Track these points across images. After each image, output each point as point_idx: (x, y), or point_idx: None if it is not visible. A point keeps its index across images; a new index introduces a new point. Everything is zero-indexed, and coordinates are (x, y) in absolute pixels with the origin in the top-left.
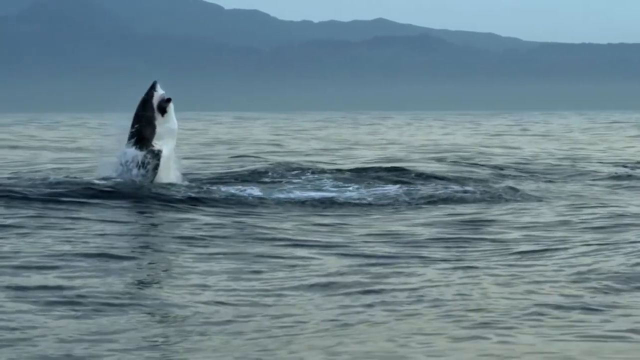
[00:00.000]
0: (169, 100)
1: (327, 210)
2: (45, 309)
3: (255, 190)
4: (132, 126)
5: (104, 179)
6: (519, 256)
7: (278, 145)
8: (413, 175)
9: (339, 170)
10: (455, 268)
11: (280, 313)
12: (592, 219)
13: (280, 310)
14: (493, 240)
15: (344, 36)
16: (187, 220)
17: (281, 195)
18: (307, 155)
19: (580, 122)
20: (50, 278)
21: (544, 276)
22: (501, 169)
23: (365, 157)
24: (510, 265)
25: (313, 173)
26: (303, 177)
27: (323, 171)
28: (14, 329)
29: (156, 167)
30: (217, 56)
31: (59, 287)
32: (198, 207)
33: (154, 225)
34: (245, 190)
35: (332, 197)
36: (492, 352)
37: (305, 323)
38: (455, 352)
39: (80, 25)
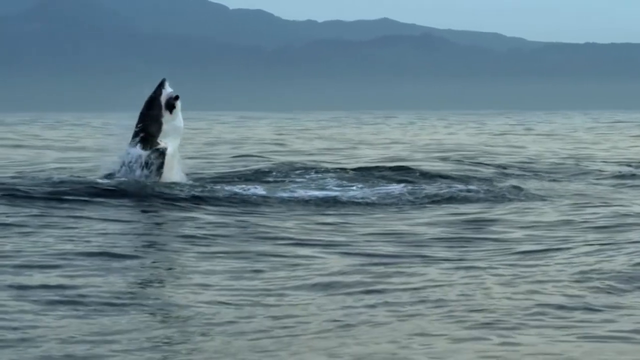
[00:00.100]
0: (177, 97)
1: (330, 210)
2: (47, 309)
3: (259, 190)
4: (138, 123)
5: (106, 177)
6: (522, 256)
7: (282, 144)
8: (417, 174)
9: (343, 170)
10: (458, 268)
11: (282, 313)
12: (596, 218)
13: (282, 310)
14: (497, 240)
15: (348, 36)
16: (190, 219)
17: (284, 194)
18: (310, 154)
19: (584, 121)
20: (52, 277)
21: (546, 276)
22: (505, 168)
23: (369, 156)
24: (513, 265)
25: (317, 172)
26: (307, 177)
27: (327, 170)
28: (15, 328)
29: (161, 166)
30: (221, 56)
31: (61, 287)
32: (201, 206)
33: (156, 224)
34: (248, 189)
35: (335, 196)
36: (494, 353)
37: (307, 324)
38: (458, 354)
39: (83, 25)
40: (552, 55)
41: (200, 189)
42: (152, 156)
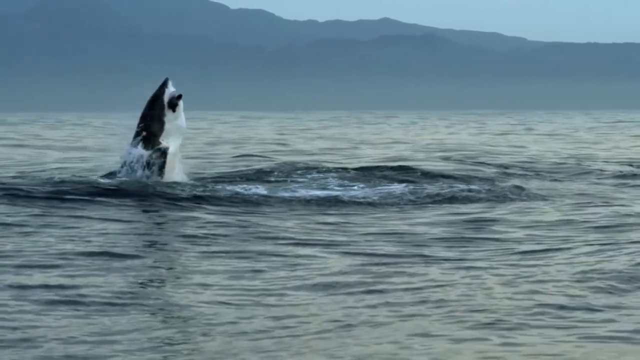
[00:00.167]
0: (179, 97)
1: (331, 209)
2: (47, 309)
3: (260, 189)
4: (140, 123)
5: (107, 177)
6: (523, 256)
7: (283, 144)
8: (419, 174)
9: (345, 169)
10: (459, 268)
11: (282, 314)
12: (597, 218)
13: (283, 310)
14: (498, 240)
15: (349, 36)
16: (191, 218)
17: (286, 194)
18: (312, 154)
19: (585, 121)
20: (52, 277)
21: (548, 276)
22: (507, 167)
23: (371, 156)
24: (514, 265)
25: (318, 172)
26: (308, 176)
27: (328, 170)
28: (15, 328)
29: (163, 165)
30: (222, 56)
31: (61, 287)
32: (202, 206)
33: (157, 223)
34: (250, 189)
35: (337, 196)
36: (495, 354)
37: (307, 324)
38: (459, 355)
39: (84, 24)
40: (553, 55)
41: (201, 189)
42: (154, 156)
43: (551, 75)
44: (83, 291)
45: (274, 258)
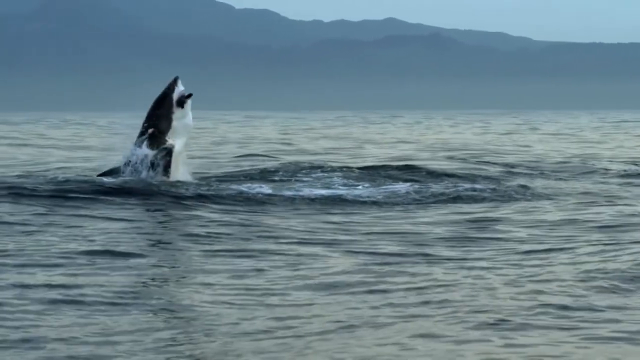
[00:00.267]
0: (189, 95)
1: (335, 208)
2: (50, 308)
3: (264, 188)
4: (148, 120)
5: (107, 174)
6: (526, 255)
7: (288, 144)
8: (424, 173)
9: (349, 169)
10: (462, 267)
11: (285, 314)
12: (601, 217)
13: (285, 311)
14: (502, 239)
15: (354, 36)
16: (195, 217)
17: (290, 193)
18: (317, 154)
19: (590, 121)
20: (55, 276)
21: (551, 275)
22: (512, 167)
23: (376, 155)
24: (517, 265)
25: (323, 171)
26: (313, 175)
27: (333, 169)
28: (17, 328)
29: (168, 164)
30: (227, 55)
31: (64, 286)
32: (206, 205)
33: (160, 222)
34: (254, 188)
35: (341, 195)
36: (499, 355)
37: (310, 324)
38: (462, 357)
39: (90, 24)
40: (558, 55)
41: (205, 188)
42: (159, 156)
43: (556, 75)
44: (86, 290)
45: (277, 257)
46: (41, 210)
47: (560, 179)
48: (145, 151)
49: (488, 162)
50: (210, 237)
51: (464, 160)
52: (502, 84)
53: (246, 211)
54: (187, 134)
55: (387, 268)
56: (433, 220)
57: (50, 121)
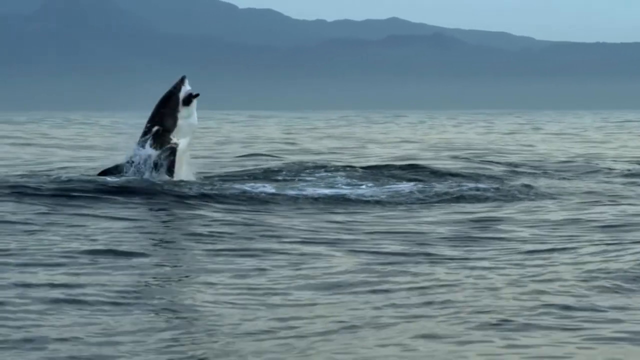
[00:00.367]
0: (197, 95)
1: (339, 208)
2: (52, 308)
3: (268, 188)
4: (152, 118)
5: (108, 172)
6: (529, 255)
7: (291, 143)
8: (427, 172)
9: (353, 168)
10: (465, 267)
11: (287, 314)
12: (605, 217)
13: (288, 311)
14: (505, 239)
15: (358, 35)
16: (198, 216)
17: (293, 193)
18: (320, 153)
19: (594, 120)
20: (57, 275)
21: (554, 275)
22: (515, 166)
23: (379, 155)
24: (520, 265)
25: (327, 171)
26: (317, 175)
27: (337, 169)
28: (19, 327)
29: (172, 164)
30: (230, 55)
31: (66, 285)
32: (209, 204)
33: (163, 222)
34: (258, 187)
35: (344, 195)
36: (501, 356)
37: (312, 325)
38: (465, 358)
39: (91, 24)
40: (561, 54)
41: (209, 187)
42: (163, 156)
43: (559, 74)
44: (88, 290)
45: (280, 256)
46: (44, 209)
47: (564, 179)
48: (149, 151)
49: (491, 161)
50: (213, 236)
51: (467, 159)
52: (505, 84)
53: (249, 210)
54: (192, 134)
55: (390, 268)
56: (436, 220)
57: (53, 121)
